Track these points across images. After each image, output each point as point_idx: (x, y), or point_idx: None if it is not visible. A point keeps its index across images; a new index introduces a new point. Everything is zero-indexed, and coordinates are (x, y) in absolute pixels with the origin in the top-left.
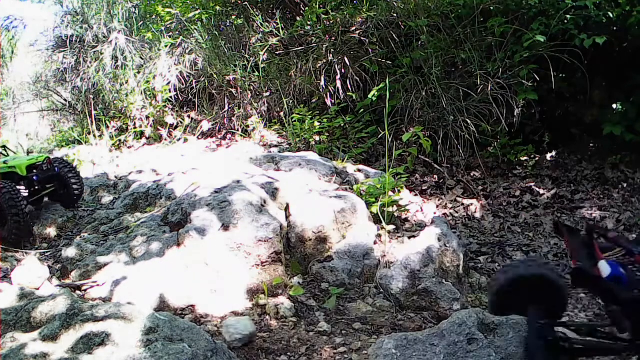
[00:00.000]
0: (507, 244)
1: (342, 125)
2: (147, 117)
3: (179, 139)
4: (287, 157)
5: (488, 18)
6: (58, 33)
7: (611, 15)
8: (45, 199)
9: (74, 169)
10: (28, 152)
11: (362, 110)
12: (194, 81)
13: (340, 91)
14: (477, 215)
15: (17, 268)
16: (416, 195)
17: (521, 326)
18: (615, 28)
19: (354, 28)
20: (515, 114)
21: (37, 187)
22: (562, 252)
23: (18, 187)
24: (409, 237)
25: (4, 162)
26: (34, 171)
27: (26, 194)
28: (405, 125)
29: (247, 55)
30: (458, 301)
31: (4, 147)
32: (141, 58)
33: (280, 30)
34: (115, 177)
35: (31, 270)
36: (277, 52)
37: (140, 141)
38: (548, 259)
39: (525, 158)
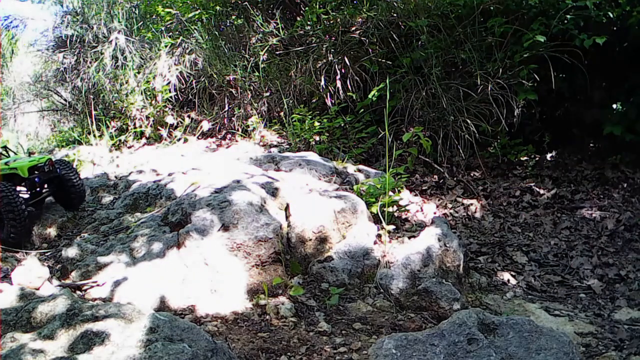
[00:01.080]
0: (507, 244)
1: (342, 125)
2: (147, 117)
3: (179, 139)
4: (287, 157)
5: (488, 18)
6: (58, 33)
7: (611, 15)
8: (50, 198)
9: (75, 170)
10: (29, 153)
11: (362, 110)
12: (194, 81)
13: (340, 91)
14: (477, 215)
15: (17, 268)
16: (416, 195)
17: (521, 326)
18: (615, 28)
19: (354, 28)
20: (515, 114)
21: (38, 189)
22: (562, 252)
23: (18, 189)
24: (409, 237)
25: (6, 164)
26: (36, 172)
27: (27, 196)
28: (405, 125)
29: (247, 55)
30: (458, 301)
31: (4, 147)
32: (141, 58)
33: (280, 30)
34: (115, 177)
35: (31, 270)
36: (277, 52)
37: (140, 141)
38: (548, 259)
39: (525, 158)
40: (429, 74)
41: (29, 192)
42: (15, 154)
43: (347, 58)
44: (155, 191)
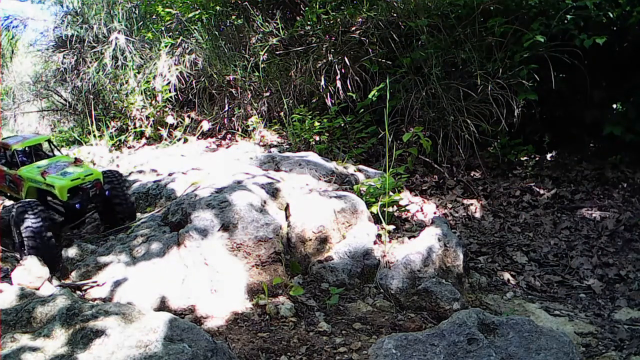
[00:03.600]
0: (507, 244)
1: (342, 125)
2: (147, 117)
3: (179, 139)
4: (287, 157)
5: (488, 18)
6: (58, 33)
7: (611, 15)
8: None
9: (125, 187)
10: (75, 160)
11: (362, 110)
12: (194, 81)
13: (340, 91)
14: (477, 215)
15: (17, 268)
16: (416, 195)
17: (521, 326)
18: (615, 28)
19: (354, 28)
20: (515, 114)
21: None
22: (562, 252)
23: (47, 214)
24: (409, 237)
25: (42, 174)
26: (80, 193)
27: (62, 218)
28: (405, 125)
29: (247, 55)
30: (458, 301)
31: (49, 141)
32: (141, 58)
33: (280, 30)
34: None
35: (31, 271)
36: (277, 52)
37: (140, 141)
38: (548, 259)
39: (525, 158)
40: (429, 74)
41: (64, 217)
42: (60, 151)
43: (347, 58)
44: (156, 191)
